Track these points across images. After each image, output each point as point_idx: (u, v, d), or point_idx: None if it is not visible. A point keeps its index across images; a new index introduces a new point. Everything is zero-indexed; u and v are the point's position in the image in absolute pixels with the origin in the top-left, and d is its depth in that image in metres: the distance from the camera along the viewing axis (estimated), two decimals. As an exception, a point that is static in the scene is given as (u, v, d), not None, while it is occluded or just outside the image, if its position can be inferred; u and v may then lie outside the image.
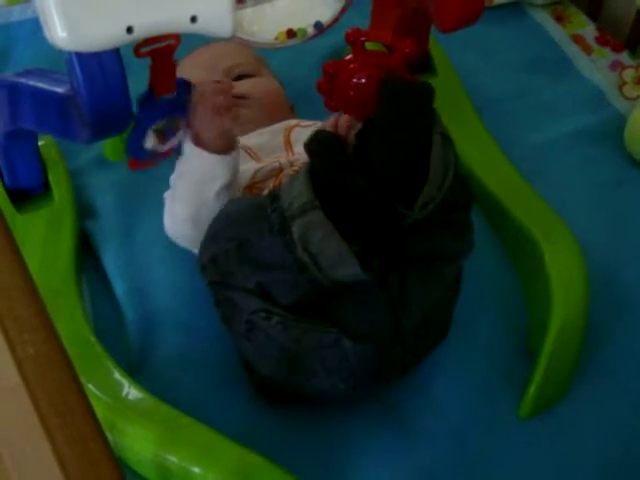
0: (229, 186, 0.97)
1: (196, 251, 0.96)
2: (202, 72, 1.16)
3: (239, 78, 1.17)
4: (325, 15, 0.85)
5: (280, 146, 1.08)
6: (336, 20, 0.85)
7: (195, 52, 1.20)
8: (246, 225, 0.85)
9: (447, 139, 0.86)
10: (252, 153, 1.07)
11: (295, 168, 1.01)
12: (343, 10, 0.84)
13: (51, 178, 1.14)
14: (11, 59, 1.37)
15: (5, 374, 0.58)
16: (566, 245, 1.06)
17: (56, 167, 1.15)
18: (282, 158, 1.04)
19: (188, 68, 1.16)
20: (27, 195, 1.12)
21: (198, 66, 1.17)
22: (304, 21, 0.85)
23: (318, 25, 0.84)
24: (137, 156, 0.91)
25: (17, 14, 1.46)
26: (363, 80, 0.95)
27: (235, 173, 0.97)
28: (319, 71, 0.99)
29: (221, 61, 1.18)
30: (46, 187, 1.13)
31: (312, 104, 1.12)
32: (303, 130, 1.10)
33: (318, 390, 0.91)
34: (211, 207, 0.94)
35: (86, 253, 1.12)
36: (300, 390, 0.93)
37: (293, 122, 1.12)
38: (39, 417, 0.56)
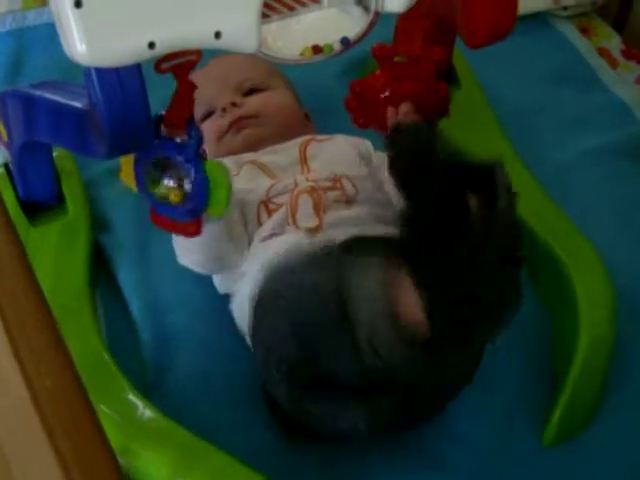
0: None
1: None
2: (213, 86, 1.14)
3: (250, 92, 1.14)
4: (352, 30, 0.82)
5: (295, 162, 1.06)
6: (363, 35, 0.82)
7: (206, 65, 1.17)
8: (313, 328, 0.82)
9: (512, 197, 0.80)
10: (266, 170, 1.04)
11: (310, 183, 0.99)
12: (370, 25, 0.81)
13: (65, 190, 1.12)
14: (25, 65, 1.36)
15: (19, 403, 0.57)
16: (592, 265, 1.04)
17: (71, 179, 1.13)
18: (298, 174, 1.02)
19: (199, 82, 1.13)
20: (41, 207, 1.10)
21: (209, 80, 1.14)
22: (330, 37, 0.82)
23: (345, 41, 0.82)
24: (144, 195, 0.88)
25: (32, 19, 1.44)
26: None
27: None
28: (341, 81, 0.97)
29: (232, 75, 1.15)
30: (60, 199, 1.12)
31: (333, 114, 1.10)
32: (318, 145, 1.07)
33: (339, 430, 0.88)
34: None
35: (100, 267, 1.10)
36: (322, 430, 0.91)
37: (308, 137, 1.09)
38: (51, 445, 0.55)
